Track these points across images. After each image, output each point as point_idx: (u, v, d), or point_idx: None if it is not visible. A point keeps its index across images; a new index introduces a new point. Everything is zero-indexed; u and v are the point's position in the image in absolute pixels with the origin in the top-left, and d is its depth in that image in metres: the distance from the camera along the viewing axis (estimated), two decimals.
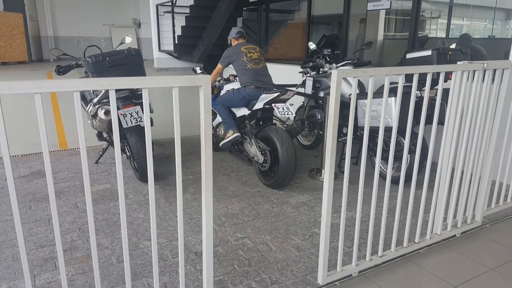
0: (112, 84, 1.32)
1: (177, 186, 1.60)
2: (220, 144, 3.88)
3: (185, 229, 2.75)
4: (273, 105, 3.49)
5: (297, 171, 4.02)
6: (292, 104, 3.69)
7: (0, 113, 1.24)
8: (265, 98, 3.52)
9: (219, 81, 4.24)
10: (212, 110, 4.44)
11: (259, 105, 3.57)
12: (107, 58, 3.32)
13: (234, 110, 3.92)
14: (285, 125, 3.86)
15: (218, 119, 4.08)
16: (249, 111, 3.72)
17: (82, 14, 14.51)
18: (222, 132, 4.12)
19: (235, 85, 3.94)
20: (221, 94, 4.06)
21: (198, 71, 4.29)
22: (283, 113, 3.47)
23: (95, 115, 3.39)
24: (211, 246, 1.72)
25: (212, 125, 4.23)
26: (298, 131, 3.69)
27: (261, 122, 3.79)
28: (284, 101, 3.54)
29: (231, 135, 3.71)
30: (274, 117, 3.95)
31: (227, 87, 4.05)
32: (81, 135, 1.37)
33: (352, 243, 2.19)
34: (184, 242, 2.48)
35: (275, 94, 3.46)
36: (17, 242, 2.52)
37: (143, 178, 3.56)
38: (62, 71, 3.79)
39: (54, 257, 2.38)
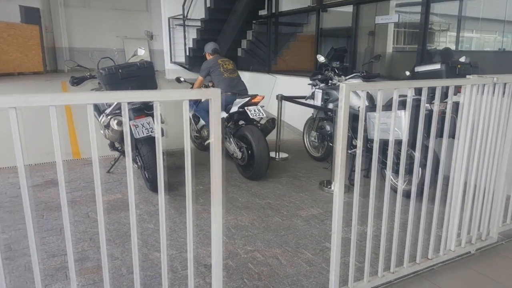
0: (126, 97, 1.35)
1: (186, 199, 1.61)
2: (205, 143, 4.63)
3: (195, 240, 2.75)
4: (246, 108, 4.02)
5: (308, 183, 4.01)
6: (263, 106, 4.19)
7: (16, 124, 1.27)
8: (239, 102, 4.07)
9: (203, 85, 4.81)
10: (195, 114, 4.70)
11: (234, 108, 4.07)
12: (120, 70, 3.38)
13: None
14: (259, 125, 4.23)
15: (202, 122, 4.66)
16: (227, 114, 4.12)
17: (96, 26, 14.81)
18: (206, 133, 4.71)
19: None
20: (202, 101, 4.49)
21: (181, 79, 4.75)
22: (255, 114, 4.02)
23: (107, 126, 3.45)
24: (220, 260, 1.71)
25: (197, 127, 4.84)
26: (270, 129, 4.24)
27: (241, 122, 4.28)
28: (256, 104, 4.09)
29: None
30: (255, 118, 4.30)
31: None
32: (94, 147, 1.39)
33: (364, 258, 2.17)
34: (193, 254, 2.48)
35: (247, 99, 4.05)
36: (29, 251, 2.56)
37: (154, 188, 3.59)
38: (76, 82, 3.87)
39: (65, 267, 2.40)
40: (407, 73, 4.32)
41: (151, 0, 15.32)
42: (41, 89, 9.03)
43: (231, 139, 4.11)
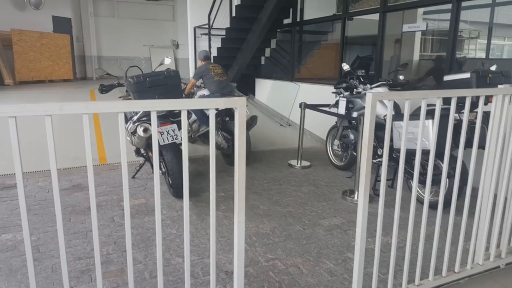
0: (155, 106, 1.39)
1: (210, 209, 1.63)
2: (196, 136, 5.24)
3: (216, 247, 2.76)
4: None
5: (330, 192, 3.97)
6: (247, 105, 4.55)
7: (51, 131, 1.32)
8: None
9: (195, 87, 5.56)
10: (188, 110, 5.15)
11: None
12: (147, 79, 3.47)
13: (205, 111, 4.81)
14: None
15: (194, 117, 5.22)
16: (216, 111, 4.54)
17: (124, 36, 15.27)
18: (197, 127, 5.32)
19: (205, 91, 5.29)
20: (195, 97, 5.29)
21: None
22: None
23: (134, 132, 3.53)
24: (242, 267, 1.72)
25: (189, 122, 5.27)
26: (251, 124, 4.85)
27: (227, 118, 4.81)
28: None
29: (204, 129, 5.12)
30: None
31: (200, 93, 5.40)
32: (124, 156, 1.43)
33: (387, 270, 2.12)
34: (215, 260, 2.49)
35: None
36: (56, 253, 2.64)
37: (177, 194, 3.64)
38: (105, 90, 3.99)
39: (90, 270, 2.46)
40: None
41: (177, 9, 15.70)
42: (71, 96, 9.36)
43: (219, 132, 4.71)
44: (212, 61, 5.78)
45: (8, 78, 10.84)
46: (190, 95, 5.54)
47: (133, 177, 4.30)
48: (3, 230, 3.02)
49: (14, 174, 1.32)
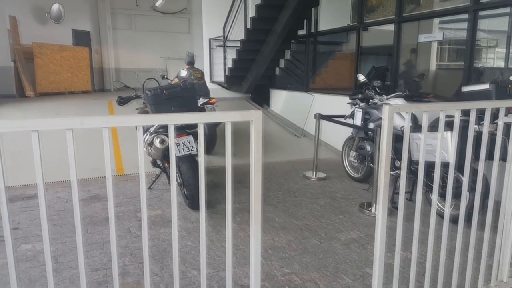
0: (173, 119, 1.40)
1: (226, 222, 1.62)
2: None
3: (232, 260, 2.74)
4: (205, 106, 5.48)
5: (347, 205, 3.92)
6: (217, 106, 5.72)
7: (72, 144, 1.35)
8: (201, 101, 5.38)
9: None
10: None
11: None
12: (164, 91, 3.52)
13: None
14: None
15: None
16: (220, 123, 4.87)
17: (141, 48, 15.57)
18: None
19: None
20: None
21: (165, 77, 6.37)
22: (210, 110, 5.56)
23: (150, 144, 3.57)
24: (258, 281, 1.70)
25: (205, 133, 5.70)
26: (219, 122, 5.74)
27: None
28: (212, 103, 5.62)
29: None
30: None
31: None
32: (142, 170, 1.44)
33: (407, 286, 2.07)
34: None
35: (207, 99, 5.56)
36: (74, 264, 2.66)
37: (193, 205, 3.65)
38: (123, 101, 4.07)
39: (107, 281, 2.47)
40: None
41: (193, 22, 15.96)
42: (90, 108, 9.55)
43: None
44: (195, 65, 7.12)
45: (29, 90, 11.14)
46: None
47: (150, 187, 4.33)
48: (23, 240, 3.07)
49: (34, 184, 1.34)
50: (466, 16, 4.52)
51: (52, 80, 12.12)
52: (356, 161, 4.66)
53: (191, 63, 6.79)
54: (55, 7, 12.21)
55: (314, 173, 4.91)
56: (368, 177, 4.45)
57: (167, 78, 6.37)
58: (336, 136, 5.96)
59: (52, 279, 1.42)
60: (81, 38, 13.84)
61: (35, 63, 11.64)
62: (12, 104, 9.16)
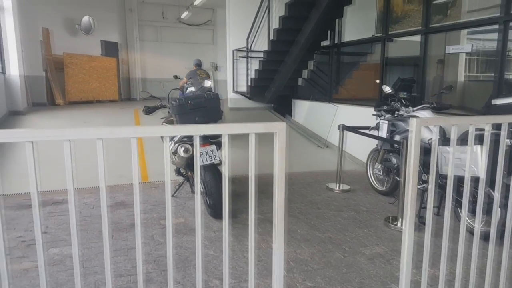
0: (198, 130, 1.42)
1: (249, 233, 1.62)
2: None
3: (253, 271, 2.73)
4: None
5: (371, 218, 3.84)
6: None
7: (102, 153, 1.39)
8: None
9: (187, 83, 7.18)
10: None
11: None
12: (189, 102, 3.59)
13: None
14: None
15: None
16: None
17: (167, 59, 15.96)
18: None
19: (193, 88, 6.03)
20: (187, 92, 6.13)
21: (178, 76, 8.50)
22: None
23: (175, 152, 3.63)
24: None
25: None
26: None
27: None
28: None
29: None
30: None
31: (190, 89, 6.11)
32: (167, 177, 1.47)
33: None
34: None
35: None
36: (99, 269, 2.71)
37: (215, 214, 3.67)
38: (149, 111, 4.17)
39: None
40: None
41: (217, 33, 16.25)
42: (117, 116, 9.81)
43: None
44: (203, 68, 8.49)
45: (59, 99, 11.57)
46: (183, 89, 6.93)
47: (173, 195, 4.39)
48: (51, 244, 3.16)
49: (63, 190, 1.39)
50: (496, 27, 4.41)
51: (81, 89, 12.55)
52: (381, 173, 4.57)
53: (198, 65, 8.40)
54: (86, 19, 12.71)
55: (338, 185, 4.85)
56: (394, 190, 4.35)
57: (179, 78, 8.22)
58: (360, 147, 5.88)
59: (80, 283, 1.45)
60: (110, 48, 14.31)
61: (65, 73, 12.11)
62: (43, 112, 9.52)
